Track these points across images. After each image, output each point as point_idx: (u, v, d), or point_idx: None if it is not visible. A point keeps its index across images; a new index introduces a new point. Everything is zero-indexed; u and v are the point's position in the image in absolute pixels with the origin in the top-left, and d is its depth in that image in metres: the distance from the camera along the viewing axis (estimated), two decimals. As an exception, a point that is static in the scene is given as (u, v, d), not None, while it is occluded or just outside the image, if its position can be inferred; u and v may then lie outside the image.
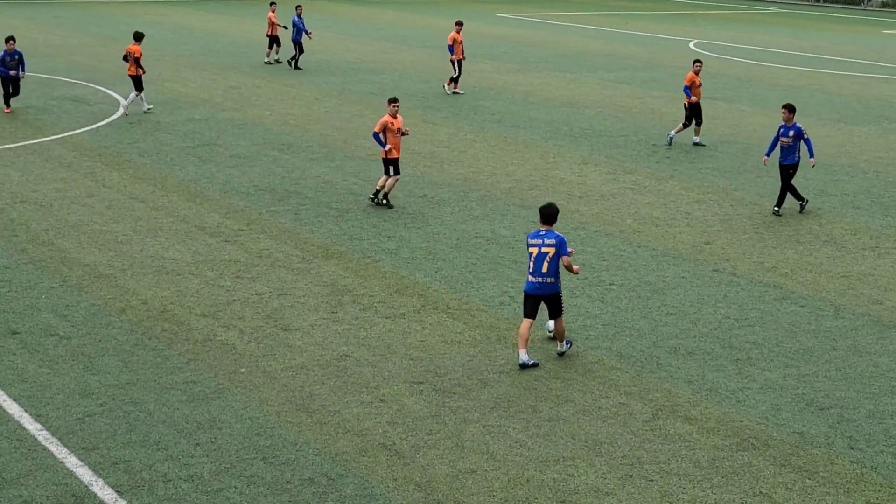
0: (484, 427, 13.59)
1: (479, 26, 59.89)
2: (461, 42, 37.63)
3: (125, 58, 32.71)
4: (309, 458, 12.76)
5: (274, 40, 44.33)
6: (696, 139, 30.12)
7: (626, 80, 41.67)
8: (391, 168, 23.20)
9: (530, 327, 15.59)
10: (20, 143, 28.42)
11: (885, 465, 12.92)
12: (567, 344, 15.98)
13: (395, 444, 13.14)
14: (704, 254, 20.67)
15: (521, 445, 13.17)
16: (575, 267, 15.82)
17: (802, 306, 18.09)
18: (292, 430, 13.39)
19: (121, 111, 32.30)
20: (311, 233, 21.44)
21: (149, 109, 32.59)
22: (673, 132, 30.19)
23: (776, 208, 23.56)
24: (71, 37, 52.07)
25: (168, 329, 16.48)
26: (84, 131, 29.92)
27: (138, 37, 33.20)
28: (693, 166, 27.71)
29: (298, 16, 42.48)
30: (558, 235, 15.56)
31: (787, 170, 23.56)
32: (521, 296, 17.72)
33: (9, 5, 68.63)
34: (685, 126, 29.87)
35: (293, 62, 42.51)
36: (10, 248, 20.10)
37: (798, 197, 23.72)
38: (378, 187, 23.50)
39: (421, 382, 14.83)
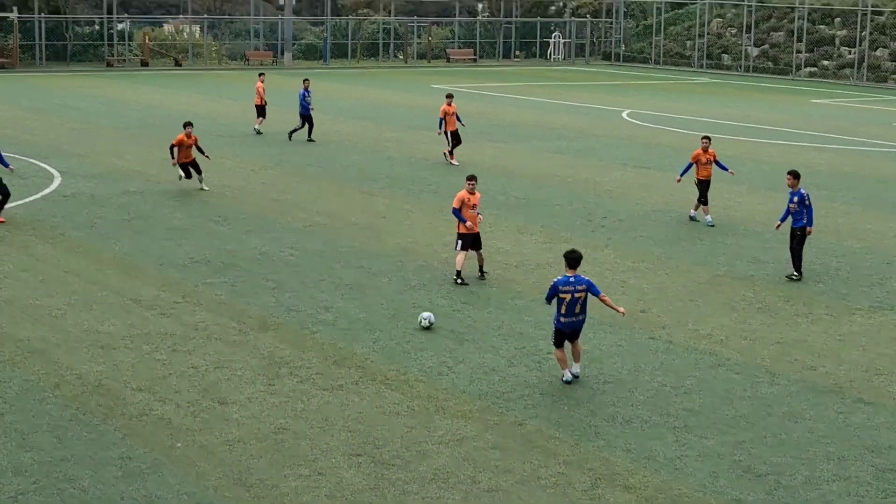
0: (423, 499, 13.53)
1: (415, 97, 60.27)
2: (453, 114, 37.77)
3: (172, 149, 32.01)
4: (247, 533, 12.63)
5: (261, 110, 44.66)
6: (708, 219, 29.12)
7: (560, 150, 42.03)
8: (468, 242, 23.02)
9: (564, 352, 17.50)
10: (-48, 218, 28.14)
11: (822, 530, 12.99)
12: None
13: (333, 517, 13.03)
14: (640, 322, 20.79)
15: (460, 517, 13.11)
16: (621, 309, 17.85)
17: (738, 373, 18.22)
18: (230, 505, 13.26)
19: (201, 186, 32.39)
20: (248, 304, 21.35)
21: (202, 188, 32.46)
22: (693, 211, 29.54)
23: (796, 274, 23.96)
24: (2, 110, 51.79)
25: (103, 404, 16.31)
26: (17, 205, 29.68)
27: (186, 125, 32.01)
28: (627, 235, 27.93)
29: (306, 89, 42.35)
30: (587, 279, 17.45)
31: (795, 233, 24.13)
32: (459, 366, 17.81)
33: (-59, 78, 68.23)
34: (701, 202, 29.15)
35: (292, 133, 42.65)
36: (-58, 323, 19.85)
37: (796, 267, 24.06)
38: (459, 267, 23.09)
39: (359, 455, 14.76)
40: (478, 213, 23.26)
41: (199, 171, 32.16)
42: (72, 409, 16.05)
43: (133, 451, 14.71)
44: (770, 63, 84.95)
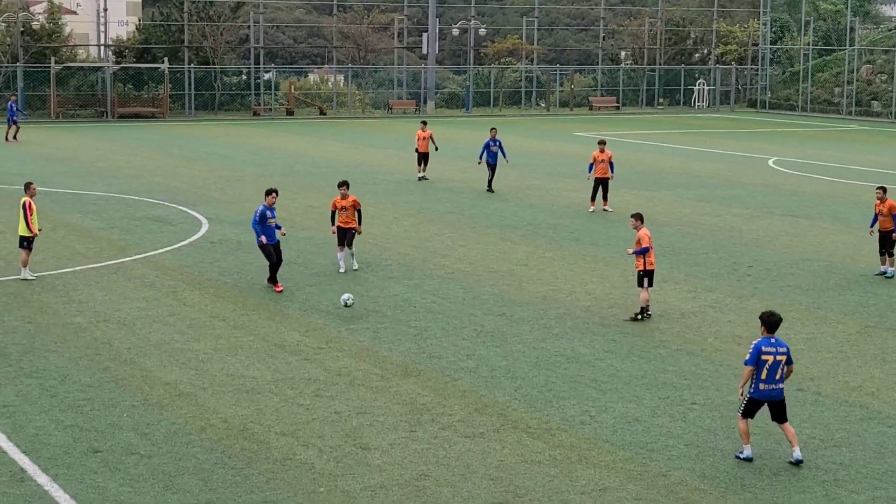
0: (565, 550, 13.35)
1: (557, 145, 60.29)
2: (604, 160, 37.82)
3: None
4: (388, 580, 12.58)
5: (423, 157, 45.11)
6: (887, 270, 28.24)
7: (705, 198, 41.57)
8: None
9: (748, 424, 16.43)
10: (104, 263, 28.83)
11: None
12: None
13: (475, 566, 12.93)
14: (788, 373, 20.33)
15: (603, 569, 12.90)
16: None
17: (890, 426, 17.71)
18: (371, 552, 13.24)
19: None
20: (390, 351, 21.43)
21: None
22: (883, 266, 28.39)
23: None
24: (152, 158, 53.06)
25: (247, 448, 16.46)
26: (166, 251, 30.31)
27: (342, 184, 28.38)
28: (774, 284, 27.44)
29: (493, 139, 42.07)
30: (786, 344, 16.41)
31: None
32: (602, 416, 17.62)
33: (92, 128, 70.25)
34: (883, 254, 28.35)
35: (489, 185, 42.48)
36: (93, 366, 20.27)
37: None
38: (643, 304, 24.05)
39: (501, 503, 14.64)
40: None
41: (350, 244, 27.98)
42: (217, 453, 16.23)
43: (277, 494, 14.80)
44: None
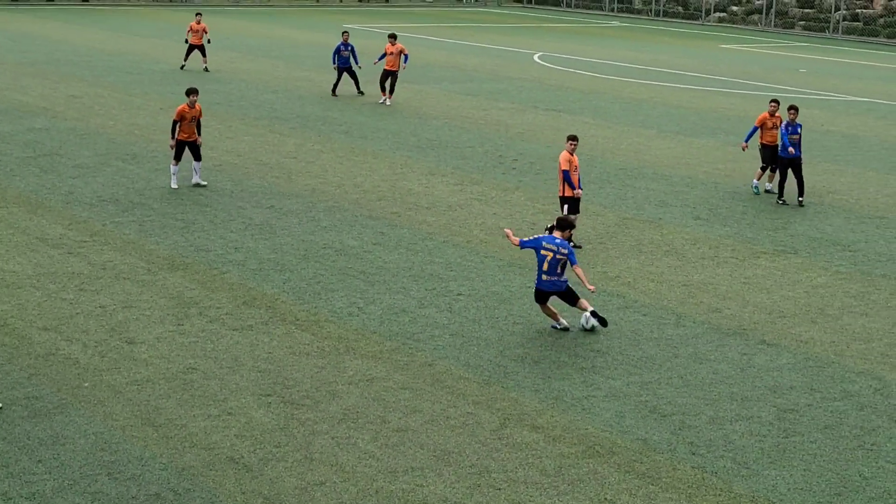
0: (333, 439, 13.59)
1: (327, 37, 59.78)
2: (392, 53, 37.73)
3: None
4: (155, 472, 12.61)
5: (197, 49, 43.94)
6: (769, 185, 27.40)
7: (472, 92, 42.01)
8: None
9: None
10: None
11: (724, 469, 13.27)
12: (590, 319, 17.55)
13: (243, 457, 13.06)
14: (550, 264, 20.91)
15: (370, 456, 13.20)
16: (591, 286, 17.53)
17: (645, 315, 18.46)
18: (138, 445, 13.22)
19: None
20: (157, 244, 21.18)
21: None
22: (755, 181, 27.48)
23: (800, 199, 26.32)
24: None
25: (8, 343, 16.13)
26: (-81, 141, 29.10)
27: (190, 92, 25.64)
28: (538, 178, 28.05)
29: (344, 43, 39.49)
30: (569, 245, 17.40)
31: (798, 161, 26.25)
32: (370, 307, 17.87)
33: None
34: (764, 170, 27.29)
35: (334, 89, 39.88)
36: None
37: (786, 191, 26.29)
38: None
39: (269, 395, 14.76)
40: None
41: (197, 157, 25.61)
42: (-23, 349, 15.85)
43: (40, 390, 14.58)
44: (680, 8, 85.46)
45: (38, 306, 17.65)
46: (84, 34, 57.20)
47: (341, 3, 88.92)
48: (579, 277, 17.40)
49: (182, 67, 44.54)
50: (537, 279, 17.47)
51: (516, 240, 17.76)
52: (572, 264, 17.29)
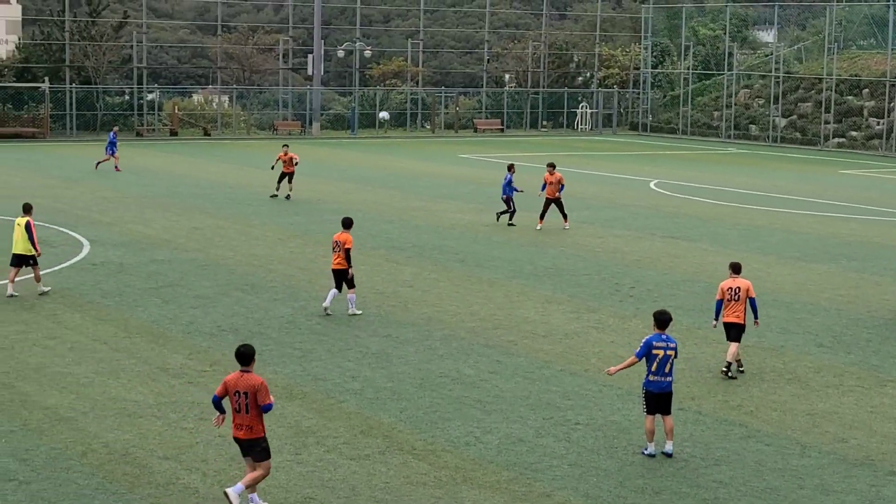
0: (450, 571, 13.38)
1: (442, 167, 60.52)
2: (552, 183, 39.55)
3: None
4: None
5: (287, 176, 46.44)
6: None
7: (588, 220, 42.01)
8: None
9: (654, 422, 17.39)
10: (-18, 285, 28.28)
11: None
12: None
13: (360, 589, 12.89)
14: (669, 392, 20.61)
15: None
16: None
17: (768, 444, 18.05)
18: (255, 576, 13.13)
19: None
20: (275, 373, 21.31)
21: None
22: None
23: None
24: (32, 179, 52.17)
25: (129, 473, 16.25)
26: (46, 273, 29.79)
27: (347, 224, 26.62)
28: (656, 304, 27.78)
29: (511, 174, 40.44)
30: (675, 340, 17.67)
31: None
32: (487, 436, 17.72)
33: (-27, 147, 68.89)
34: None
35: (501, 217, 40.65)
36: (-30, 391, 19.86)
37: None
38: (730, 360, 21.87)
39: (386, 525, 14.63)
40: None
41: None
42: (98, 478, 15.99)
43: (158, 520, 14.62)
44: (798, 134, 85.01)
45: (159, 435, 17.80)
46: (206, 167, 58.54)
47: (457, 135, 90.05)
48: None
49: (273, 196, 45.97)
50: (644, 380, 17.45)
51: (630, 360, 17.71)
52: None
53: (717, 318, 21.99)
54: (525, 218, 40.67)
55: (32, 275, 27.57)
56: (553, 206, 39.61)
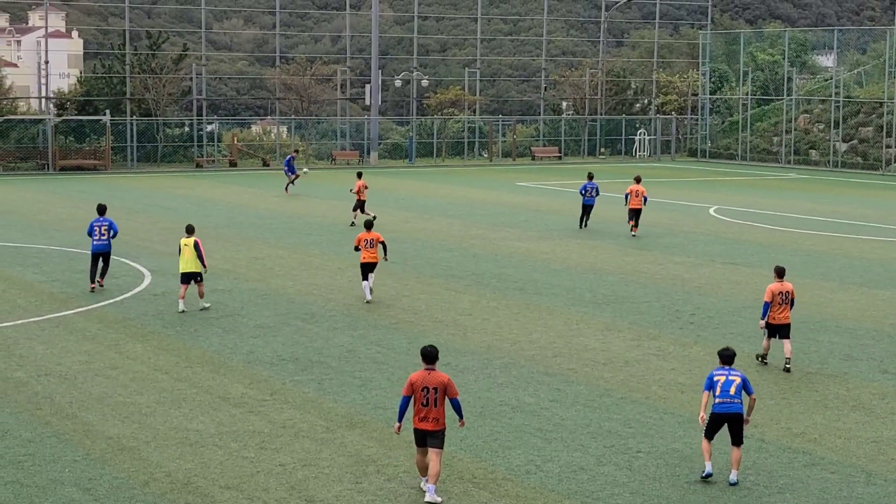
0: None
1: (499, 195, 60.50)
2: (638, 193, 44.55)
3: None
4: None
5: (360, 205, 47.32)
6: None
7: (647, 247, 41.85)
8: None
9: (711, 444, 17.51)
10: (45, 317, 28.57)
11: None
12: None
13: None
14: (732, 420, 20.43)
15: None
16: (747, 418, 17.56)
17: (833, 472, 17.84)
18: None
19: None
20: (335, 402, 21.35)
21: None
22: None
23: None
24: (94, 210, 52.61)
25: (191, 502, 16.31)
26: (108, 304, 30.08)
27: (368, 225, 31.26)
28: (717, 332, 27.63)
29: (590, 182, 46.77)
30: (742, 373, 17.57)
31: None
32: (548, 465, 17.63)
33: (32, 181, 69.75)
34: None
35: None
36: (34, 421, 20.04)
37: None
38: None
39: (447, 554, 14.58)
40: None
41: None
42: (160, 507, 16.06)
43: (220, 549, 14.66)
44: (859, 158, 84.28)
45: (220, 465, 17.87)
46: (265, 197, 58.91)
47: (514, 163, 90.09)
48: (751, 407, 17.58)
49: (352, 224, 46.10)
50: (713, 406, 17.42)
51: (703, 399, 17.61)
52: (749, 393, 17.42)
53: (764, 318, 23.93)
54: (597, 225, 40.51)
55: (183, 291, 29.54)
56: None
